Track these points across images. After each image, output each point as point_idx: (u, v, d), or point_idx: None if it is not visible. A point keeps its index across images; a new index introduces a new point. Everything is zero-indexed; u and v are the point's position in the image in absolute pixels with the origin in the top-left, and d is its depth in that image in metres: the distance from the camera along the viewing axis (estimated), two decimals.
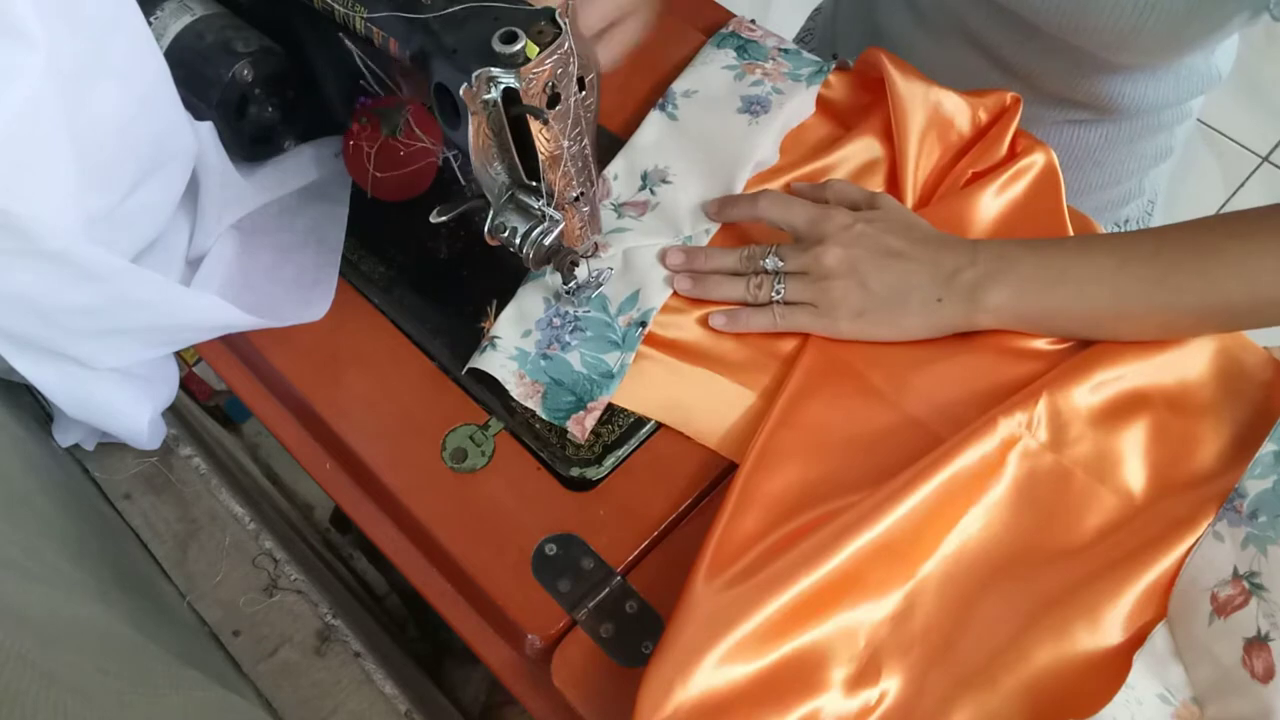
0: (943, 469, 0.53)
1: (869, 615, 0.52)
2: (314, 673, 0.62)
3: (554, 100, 0.50)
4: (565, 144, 0.52)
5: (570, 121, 0.52)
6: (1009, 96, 0.68)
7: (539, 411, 0.60)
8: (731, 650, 0.49)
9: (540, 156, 0.52)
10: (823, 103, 0.73)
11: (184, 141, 0.60)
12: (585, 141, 0.54)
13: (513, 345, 0.61)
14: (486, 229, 0.57)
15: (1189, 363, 0.60)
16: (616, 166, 0.70)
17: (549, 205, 0.55)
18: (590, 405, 0.60)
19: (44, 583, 0.48)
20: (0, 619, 0.40)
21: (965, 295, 0.59)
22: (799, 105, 0.71)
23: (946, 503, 0.54)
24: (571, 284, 0.62)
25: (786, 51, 0.75)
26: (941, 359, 0.60)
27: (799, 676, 0.50)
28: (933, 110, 0.68)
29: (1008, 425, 0.55)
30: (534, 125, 0.51)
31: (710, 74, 0.73)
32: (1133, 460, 0.57)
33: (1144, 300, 0.57)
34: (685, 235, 0.66)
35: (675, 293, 0.64)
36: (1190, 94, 0.77)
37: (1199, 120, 0.73)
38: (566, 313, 0.62)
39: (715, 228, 0.67)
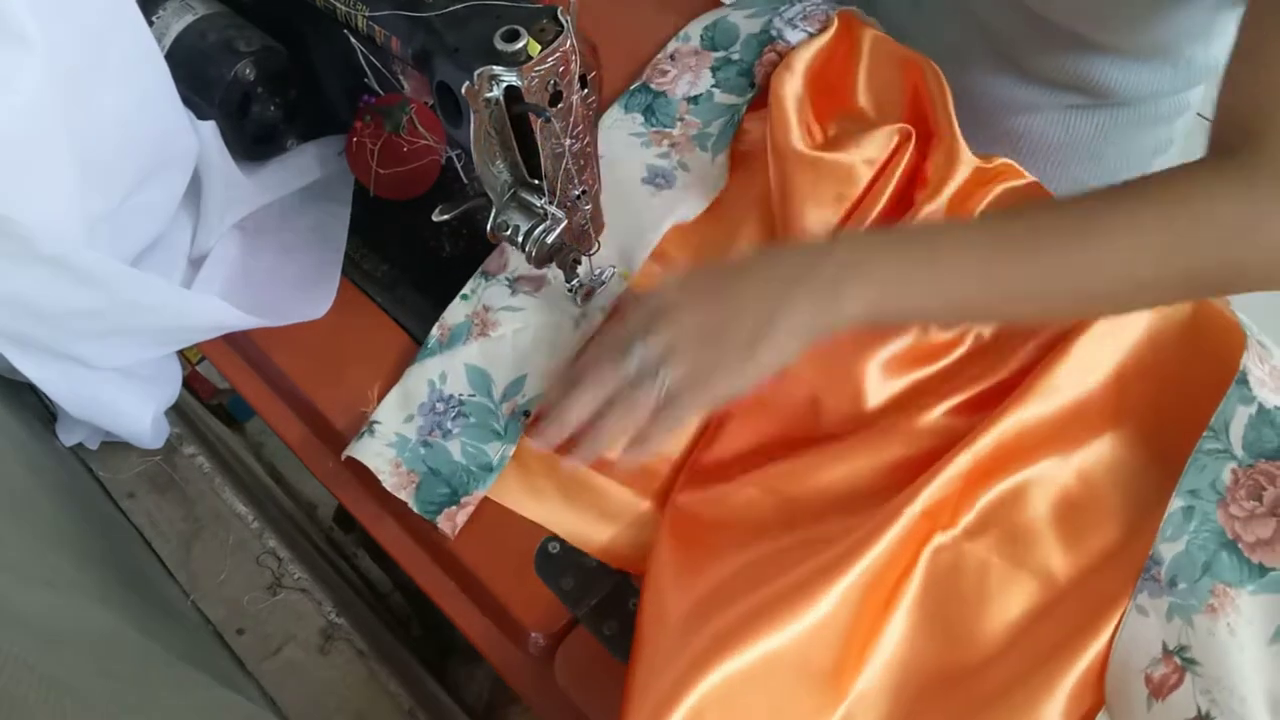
0: (850, 569, 0.49)
1: None
2: (318, 671, 0.62)
3: (556, 98, 0.50)
4: (567, 142, 0.52)
5: (572, 119, 0.52)
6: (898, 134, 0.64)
7: (410, 504, 0.57)
8: None
9: (542, 155, 0.52)
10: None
11: (185, 142, 0.60)
12: (587, 139, 0.54)
13: (393, 431, 0.59)
14: (489, 227, 0.57)
15: (1093, 422, 0.56)
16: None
17: (551, 203, 0.55)
18: (464, 500, 0.57)
19: (45, 585, 0.48)
20: (0, 622, 0.40)
21: (825, 293, 0.52)
22: (694, 199, 0.67)
23: (864, 610, 0.50)
24: (574, 282, 0.62)
25: (696, 100, 0.71)
26: (828, 444, 0.57)
27: None
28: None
29: (913, 516, 0.51)
30: (536, 123, 0.50)
31: (616, 140, 0.70)
32: (1046, 537, 0.54)
33: (1013, 287, 0.52)
34: (576, 312, 0.63)
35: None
36: (1187, 84, 0.77)
37: (1201, 116, 0.73)
38: (450, 396, 0.60)
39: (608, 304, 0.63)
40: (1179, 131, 0.82)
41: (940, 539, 0.53)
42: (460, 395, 0.60)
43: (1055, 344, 0.56)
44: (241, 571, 0.65)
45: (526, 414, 0.60)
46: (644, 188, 0.68)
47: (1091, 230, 0.50)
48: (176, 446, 0.70)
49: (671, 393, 0.52)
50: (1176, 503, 0.52)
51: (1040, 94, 0.78)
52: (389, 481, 0.58)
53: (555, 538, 0.57)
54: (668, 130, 0.71)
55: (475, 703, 0.80)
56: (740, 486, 0.56)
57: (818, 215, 0.63)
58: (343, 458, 0.59)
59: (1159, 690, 0.48)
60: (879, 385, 0.59)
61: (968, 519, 0.54)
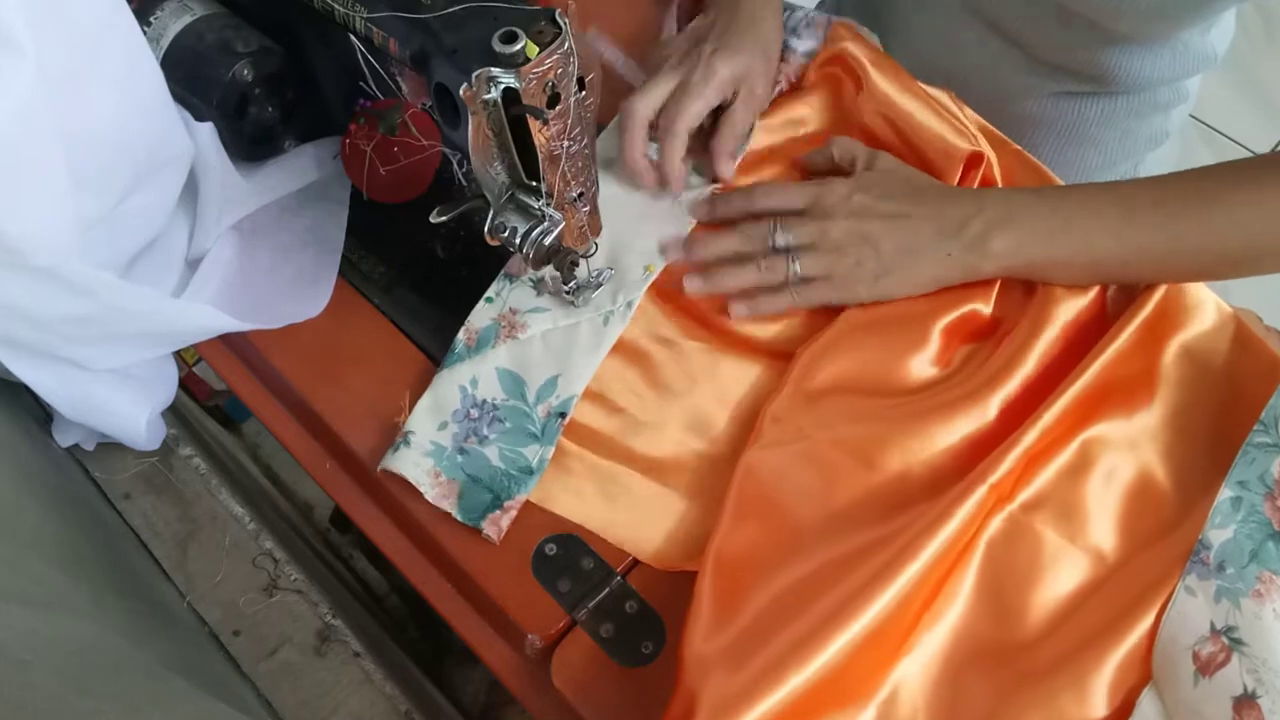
0: (927, 545, 0.51)
1: (858, 710, 0.50)
2: (314, 673, 0.62)
3: (554, 100, 0.50)
4: (565, 144, 0.52)
5: (570, 121, 0.52)
6: (971, 154, 0.66)
7: (455, 514, 0.56)
8: None
9: (540, 156, 0.52)
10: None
11: (180, 145, 0.60)
12: (585, 141, 0.54)
13: (428, 440, 0.58)
14: (486, 229, 0.57)
15: (1148, 409, 0.58)
16: None
17: (549, 205, 0.55)
18: (507, 504, 0.57)
19: (24, 601, 0.48)
20: None
21: (972, 244, 0.59)
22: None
23: (929, 579, 0.52)
24: (571, 284, 0.62)
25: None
26: (902, 421, 0.57)
27: None
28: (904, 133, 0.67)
29: (983, 495, 0.53)
30: (534, 125, 0.50)
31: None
32: (1103, 517, 0.56)
33: (1148, 248, 0.58)
34: (607, 310, 0.63)
35: (592, 380, 0.61)
36: (1186, 72, 0.77)
37: (1196, 119, 0.73)
38: (484, 402, 0.60)
39: (637, 297, 0.63)
40: (1175, 123, 0.83)
41: (1001, 512, 0.55)
42: (494, 400, 0.60)
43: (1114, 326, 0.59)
44: (238, 573, 0.65)
45: (562, 415, 0.59)
46: (665, 192, 0.68)
47: (1217, 200, 0.56)
48: (173, 448, 0.70)
49: (801, 278, 0.61)
50: (1225, 493, 0.53)
51: (1042, 79, 0.78)
52: (431, 493, 0.57)
53: (552, 539, 0.57)
54: None
55: (471, 705, 0.80)
56: (817, 454, 0.57)
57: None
58: (378, 471, 0.58)
59: (1206, 667, 0.49)
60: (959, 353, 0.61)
61: (1026, 493, 0.56)
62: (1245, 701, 0.48)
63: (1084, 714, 0.50)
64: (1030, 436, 0.55)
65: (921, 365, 0.60)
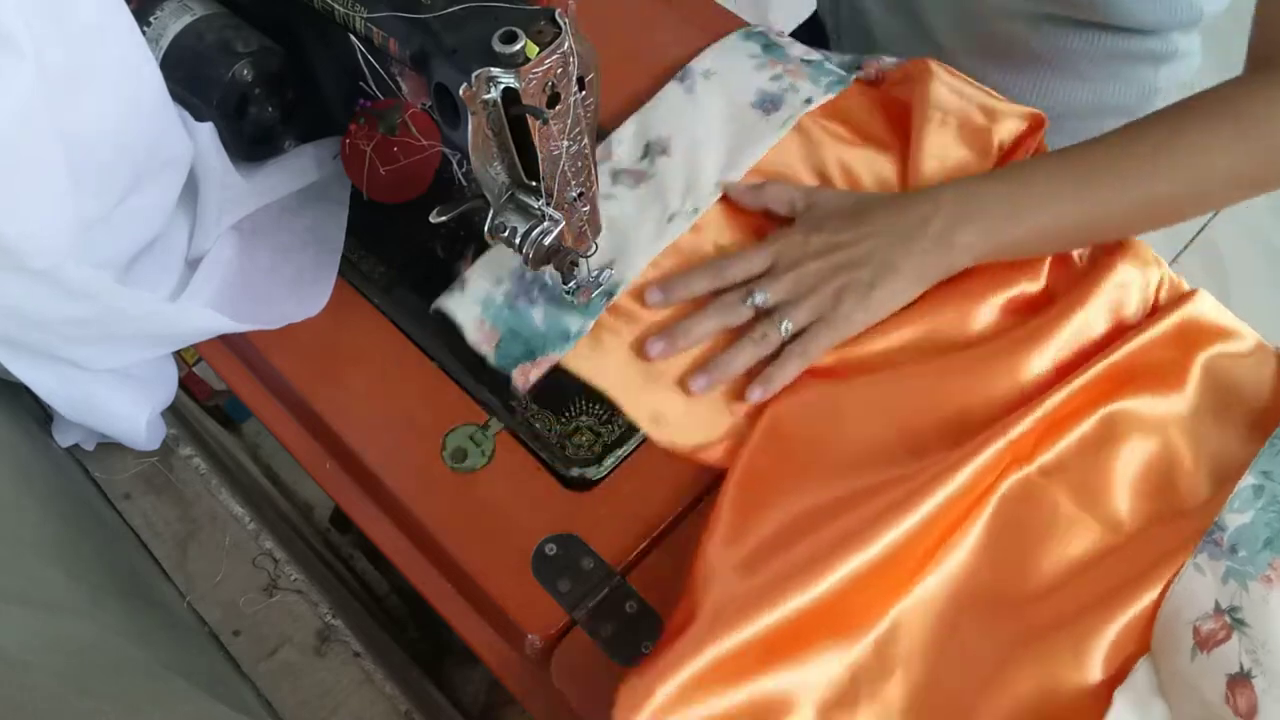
0: (939, 489, 0.52)
1: (854, 641, 0.51)
2: (314, 673, 0.62)
3: (554, 100, 0.50)
4: (565, 144, 0.52)
5: (570, 121, 0.52)
6: (1035, 118, 0.68)
7: (490, 359, 0.61)
8: (716, 664, 0.48)
9: (540, 156, 0.52)
10: (837, 109, 0.72)
11: (179, 146, 0.60)
12: (585, 141, 0.54)
13: (483, 290, 0.63)
14: (486, 229, 0.57)
15: (1180, 393, 0.59)
16: (624, 132, 0.71)
17: (548, 205, 0.55)
18: (540, 359, 0.61)
19: (24, 602, 0.48)
20: None
21: (940, 240, 0.60)
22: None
23: (939, 523, 0.53)
24: (571, 284, 0.62)
25: (809, 62, 0.74)
26: (933, 375, 0.60)
27: (774, 697, 0.49)
28: (960, 116, 0.68)
29: (1000, 449, 0.55)
30: (533, 125, 0.50)
31: (733, 60, 0.74)
32: (1120, 491, 0.56)
33: (1108, 210, 0.59)
34: (674, 209, 0.67)
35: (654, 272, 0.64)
36: (1174, 22, 0.77)
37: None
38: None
39: (704, 206, 0.67)
40: (1164, 82, 0.83)
41: (1017, 472, 0.56)
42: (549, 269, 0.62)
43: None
44: (238, 573, 0.65)
45: (609, 295, 0.63)
46: (753, 111, 0.71)
47: (1169, 152, 0.58)
48: (173, 448, 0.70)
49: (794, 333, 0.60)
50: (1248, 479, 0.54)
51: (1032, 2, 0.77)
52: (471, 337, 0.61)
53: (552, 539, 0.57)
54: (783, 62, 0.73)
55: (471, 705, 0.80)
56: (853, 396, 0.59)
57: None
58: (431, 310, 0.62)
59: (1205, 643, 0.49)
60: (994, 319, 0.62)
61: (1045, 457, 0.56)
62: (1240, 680, 0.48)
63: (1078, 675, 0.50)
64: (1055, 399, 0.56)
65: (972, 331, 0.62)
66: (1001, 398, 0.57)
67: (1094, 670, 0.50)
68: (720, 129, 0.70)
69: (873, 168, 0.69)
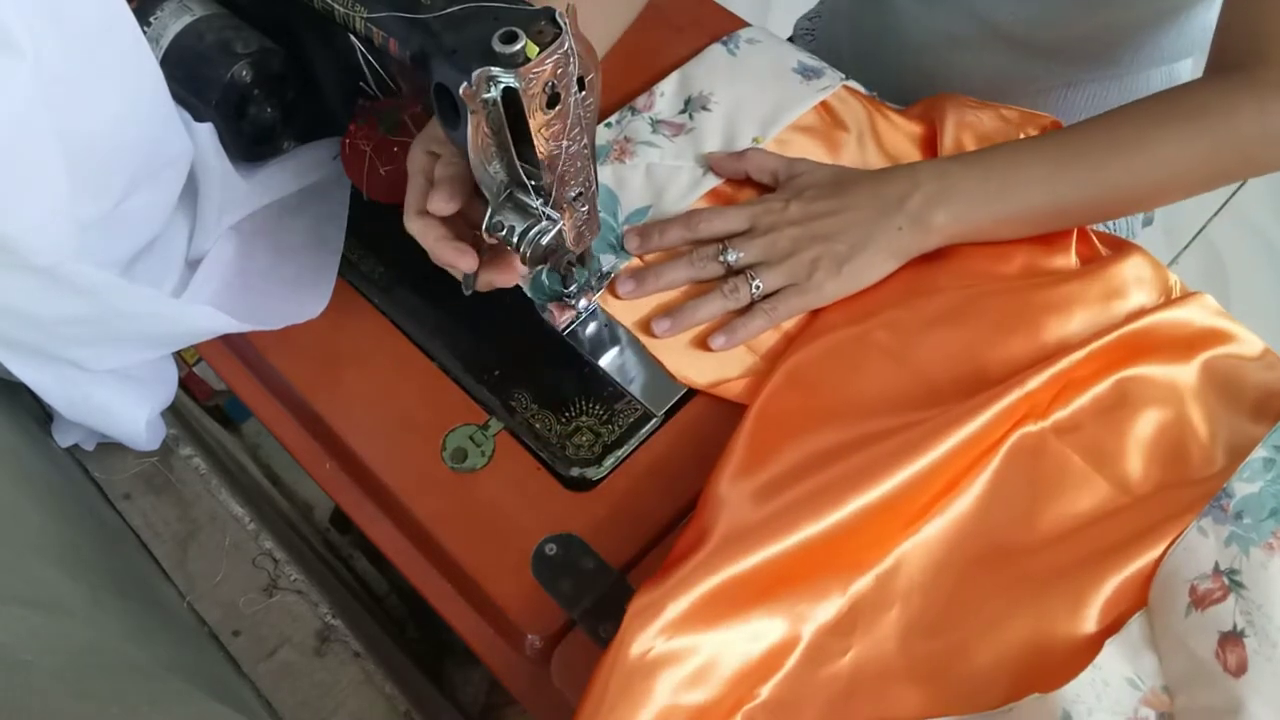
0: (952, 434, 0.54)
1: (857, 574, 0.53)
2: (314, 673, 0.62)
3: (554, 100, 0.50)
4: (564, 144, 0.52)
5: (570, 121, 0.52)
6: (1055, 125, 0.70)
7: (526, 291, 0.63)
8: (725, 586, 0.50)
9: (539, 156, 0.52)
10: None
11: (179, 146, 0.60)
12: (585, 141, 0.54)
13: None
14: (484, 227, 0.57)
15: (1195, 364, 0.60)
16: (666, 85, 0.73)
17: (547, 205, 0.55)
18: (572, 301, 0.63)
19: (24, 602, 0.48)
20: None
21: (916, 219, 0.62)
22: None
23: (949, 469, 0.54)
24: (571, 286, 0.62)
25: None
26: (952, 323, 0.61)
27: (776, 620, 0.51)
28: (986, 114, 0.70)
29: (1017, 401, 0.56)
30: (533, 125, 0.50)
31: (772, 39, 0.77)
32: (1133, 454, 0.57)
33: (1078, 196, 0.61)
34: (707, 162, 0.69)
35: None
36: (1181, 52, 0.78)
37: None
38: None
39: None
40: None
41: (1030, 425, 0.57)
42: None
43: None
44: (238, 573, 0.65)
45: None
46: (793, 75, 0.74)
47: (1140, 144, 0.60)
48: (173, 448, 0.70)
49: (764, 293, 0.62)
50: (1260, 452, 0.55)
51: (1041, 70, 0.78)
52: None
53: (552, 539, 0.57)
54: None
55: (471, 705, 0.80)
56: (868, 344, 0.60)
57: None
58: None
59: (1201, 601, 0.50)
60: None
61: (1060, 414, 0.58)
62: (1231, 638, 0.49)
63: (1073, 626, 0.51)
64: (1073, 358, 0.57)
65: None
66: (1021, 359, 0.59)
67: (1089, 621, 0.51)
68: (761, 89, 0.72)
69: (902, 136, 0.71)
